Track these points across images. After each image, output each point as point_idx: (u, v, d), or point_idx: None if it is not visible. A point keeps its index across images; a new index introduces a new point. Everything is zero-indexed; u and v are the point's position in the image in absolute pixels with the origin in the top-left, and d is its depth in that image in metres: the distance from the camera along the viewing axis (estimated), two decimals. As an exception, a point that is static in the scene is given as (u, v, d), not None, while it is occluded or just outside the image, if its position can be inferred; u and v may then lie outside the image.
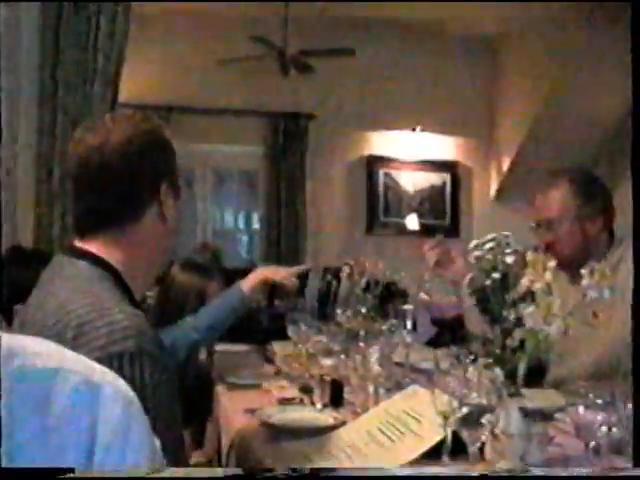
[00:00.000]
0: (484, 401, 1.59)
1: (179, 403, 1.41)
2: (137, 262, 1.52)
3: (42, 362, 0.90)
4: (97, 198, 1.49)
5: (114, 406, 0.93)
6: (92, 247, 1.50)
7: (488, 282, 1.68)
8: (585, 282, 1.59)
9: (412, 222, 8.54)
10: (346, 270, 2.98)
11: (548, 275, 1.58)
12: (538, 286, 1.57)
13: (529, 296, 1.65)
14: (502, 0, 6.75)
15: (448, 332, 4.29)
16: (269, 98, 7.84)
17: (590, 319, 1.59)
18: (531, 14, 7.39)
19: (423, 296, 6.16)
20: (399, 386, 2.49)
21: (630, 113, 6.29)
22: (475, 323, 2.61)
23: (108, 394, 0.93)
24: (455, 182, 8.74)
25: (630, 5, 1.73)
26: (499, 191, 8.71)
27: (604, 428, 1.59)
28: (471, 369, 1.67)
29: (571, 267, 2.23)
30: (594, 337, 2.48)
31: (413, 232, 8.50)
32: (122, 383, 0.97)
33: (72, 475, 0.86)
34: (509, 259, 1.68)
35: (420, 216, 8.62)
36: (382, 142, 8.53)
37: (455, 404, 1.63)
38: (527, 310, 1.57)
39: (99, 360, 1.21)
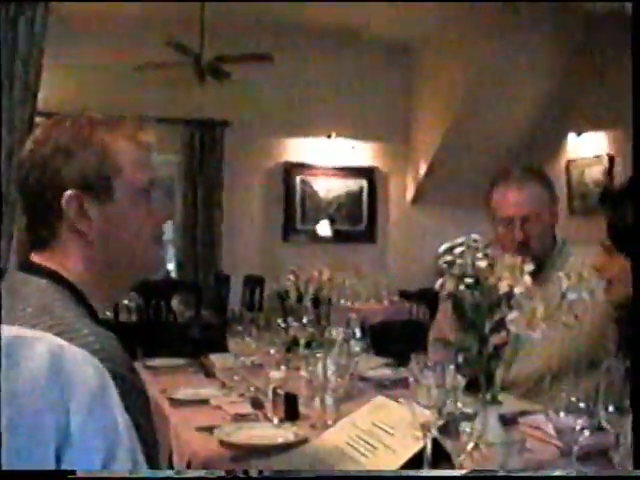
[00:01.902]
0: (467, 410, 1.55)
1: (153, 426, 1.32)
2: (91, 276, 1.41)
3: (7, 331, 0.93)
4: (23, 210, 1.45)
5: (86, 368, 0.95)
6: (48, 261, 1.39)
7: (461, 287, 1.63)
8: (564, 284, 1.56)
9: (324, 229, 8.54)
10: (291, 278, 2.90)
11: (527, 279, 1.55)
12: (518, 291, 1.54)
13: (505, 301, 1.62)
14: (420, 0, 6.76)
15: (372, 338, 4.27)
16: (185, 105, 7.73)
17: (569, 321, 1.56)
18: (446, 20, 7.47)
19: (344, 302, 6.17)
20: (349, 396, 2.44)
21: (543, 115, 6.32)
22: (442, 330, 2.59)
23: (78, 358, 0.95)
24: (372, 188, 8.79)
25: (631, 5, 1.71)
26: (416, 196, 8.78)
27: (586, 432, 1.56)
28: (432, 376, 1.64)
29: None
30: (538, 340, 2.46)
31: (329, 239, 8.50)
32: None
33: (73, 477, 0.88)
34: (482, 263, 1.63)
35: (337, 222, 8.63)
36: (299, 149, 8.52)
37: (435, 414, 1.58)
38: (510, 316, 1.53)
39: None
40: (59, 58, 6.11)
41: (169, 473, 1.57)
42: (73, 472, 0.87)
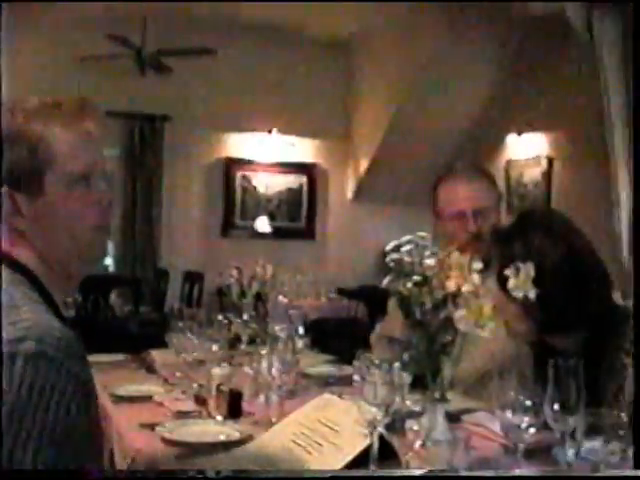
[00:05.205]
0: (414, 407, 1.55)
1: (90, 417, 1.27)
2: (44, 266, 1.39)
3: None
4: None
5: None
6: (12, 248, 1.37)
7: (409, 285, 1.63)
8: (512, 283, 1.57)
9: (262, 225, 8.52)
10: (234, 274, 2.87)
11: (476, 277, 1.56)
12: (466, 289, 1.54)
13: (451, 299, 1.62)
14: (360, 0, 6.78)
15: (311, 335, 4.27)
16: (126, 98, 7.62)
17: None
18: (387, 17, 7.49)
19: (282, 299, 6.12)
20: (293, 393, 2.42)
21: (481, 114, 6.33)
22: (389, 327, 2.59)
23: None
24: (312, 184, 8.79)
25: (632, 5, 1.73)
26: (356, 193, 8.81)
27: (532, 430, 1.58)
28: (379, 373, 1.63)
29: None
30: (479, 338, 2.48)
31: (268, 235, 8.48)
32: None
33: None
34: (430, 261, 1.64)
35: (277, 218, 8.61)
36: (239, 144, 8.49)
37: (382, 412, 1.58)
38: (457, 314, 1.53)
39: None
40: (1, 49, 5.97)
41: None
42: (78, 472, 0.87)
